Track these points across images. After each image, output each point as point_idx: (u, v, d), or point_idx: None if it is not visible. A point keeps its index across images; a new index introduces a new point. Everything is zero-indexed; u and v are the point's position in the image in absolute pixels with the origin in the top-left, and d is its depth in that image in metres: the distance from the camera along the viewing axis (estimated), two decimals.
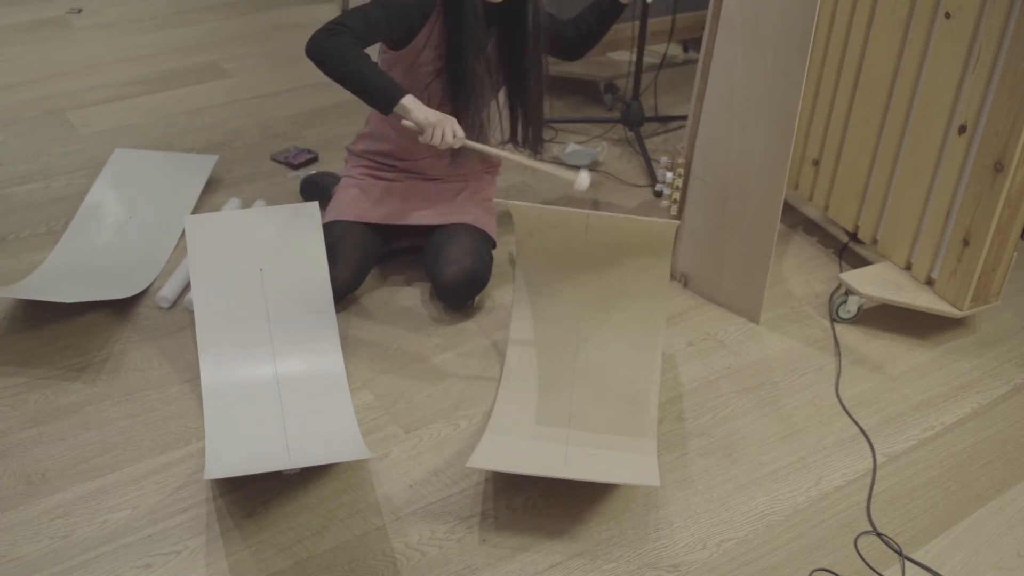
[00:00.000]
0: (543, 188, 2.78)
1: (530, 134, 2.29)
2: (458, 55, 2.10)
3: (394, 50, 2.13)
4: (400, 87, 1.97)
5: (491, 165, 2.43)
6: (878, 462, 1.87)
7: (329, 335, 2.00)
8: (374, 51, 2.16)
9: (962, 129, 2.01)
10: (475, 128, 2.18)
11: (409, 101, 1.96)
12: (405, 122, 1.97)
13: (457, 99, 2.15)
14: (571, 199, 2.73)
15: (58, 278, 2.25)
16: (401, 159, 2.30)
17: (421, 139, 1.97)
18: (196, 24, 3.98)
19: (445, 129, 1.96)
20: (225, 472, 1.65)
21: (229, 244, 2.03)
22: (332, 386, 1.94)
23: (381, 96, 1.96)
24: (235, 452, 1.75)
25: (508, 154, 2.08)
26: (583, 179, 1.99)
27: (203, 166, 2.72)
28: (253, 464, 1.70)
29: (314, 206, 2.08)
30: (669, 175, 2.30)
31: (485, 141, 2.30)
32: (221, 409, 1.85)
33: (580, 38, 2.30)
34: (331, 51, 1.94)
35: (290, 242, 2.05)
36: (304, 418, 1.86)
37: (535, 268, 1.96)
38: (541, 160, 2.18)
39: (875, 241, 2.33)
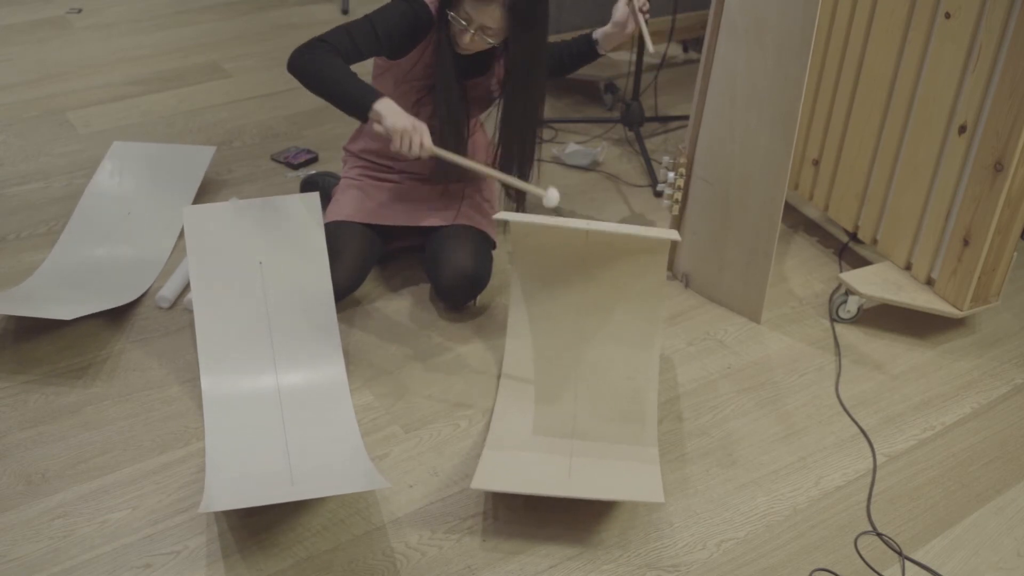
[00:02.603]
0: (542, 186, 2.78)
1: (514, 169, 2.20)
2: (441, 79, 2.08)
3: (389, 59, 2.13)
4: (376, 91, 1.90)
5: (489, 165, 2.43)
6: (878, 462, 1.87)
7: (330, 338, 1.99)
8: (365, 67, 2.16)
9: (962, 129, 2.01)
10: (455, 149, 2.15)
11: (383, 106, 1.88)
12: (376, 126, 1.90)
13: (439, 120, 2.12)
14: (568, 210, 2.72)
15: (57, 284, 2.24)
16: (397, 159, 2.30)
17: (392, 147, 1.90)
18: (196, 24, 3.98)
19: (413, 139, 1.88)
20: (225, 506, 1.60)
21: (228, 236, 2.00)
22: (334, 399, 1.91)
23: (356, 101, 1.90)
24: (236, 483, 1.71)
25: (478, 167, 1.97)
26: (552, 196, 1.91)
27: (201, 157, 2.71)
28: (255, 497, 1.64)
29: (314, 197, 2.07)
30: (671, 175, 2.30)
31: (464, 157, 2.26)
32: (222, 433, 1.82)
33: (552, 67, 2.28)
34: (308, 62, 1.90)
35: (290, 235, 2.04)
36: (308, 443, 1.82)
37: (531, 273, 1.96)
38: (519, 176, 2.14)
39: (875, 241, 2.33)
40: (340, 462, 1.78)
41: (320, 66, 1.90)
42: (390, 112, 1.88)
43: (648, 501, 1.66)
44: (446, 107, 2.09)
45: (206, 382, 1.89)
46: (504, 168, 2.17)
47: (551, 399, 1.91)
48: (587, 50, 2.26)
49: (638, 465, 1.79)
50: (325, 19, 3.95)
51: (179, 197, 2.57)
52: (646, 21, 2.14)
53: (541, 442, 1.85)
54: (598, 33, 2.23)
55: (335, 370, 1.96)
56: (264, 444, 1.81)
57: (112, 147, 2.69)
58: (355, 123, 2.39)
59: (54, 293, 2.19)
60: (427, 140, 1.90)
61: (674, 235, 1.80)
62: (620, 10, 2.15)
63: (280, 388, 1.91)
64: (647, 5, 2.14)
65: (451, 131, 2.12)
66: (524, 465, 1.79)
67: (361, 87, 1.90)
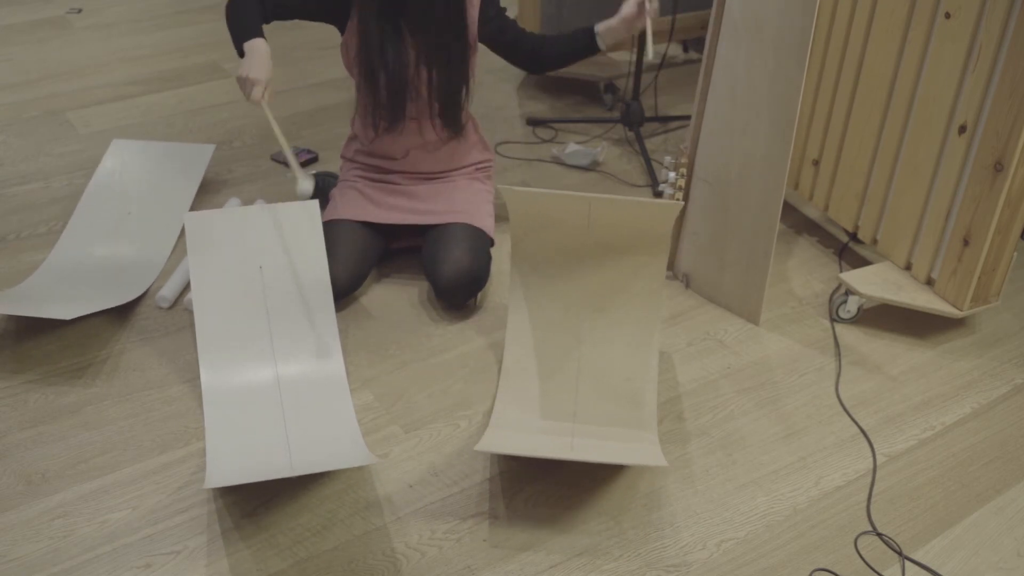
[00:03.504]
0: (543, 187, 2.78)
1: (447, 116, 2.23)
2: (365, 48, 2.13)
3: (335, 25, 2.22)
4: (256, 33, 2.06)
5: (483, 160, 2.42)
6: (878, 462, 1.87)
7: (329, 336, 2.00)
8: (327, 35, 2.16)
9: (962, 129, 2.01)
10: (398, 117, 2.20)
11: (249, 47, 2.03)
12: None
13: (369, 88, 2.19)
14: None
15: (57, 283, 2.24)
16: (390, 157, 2.31)
17: None
18: (196, 24, 3.98)
19: (247, 88, 2.00)
20: (226, 481, 1.64)
21: (229, 241, 2.02)
22: (333, 389, 1.93)
23: (237, 39, 2.07)
24: (236, 460, 1.75)
25: (279, 136, 2.06)
26: (304, 188, 2.02)
27: (201, 156, 2.71)
28: (254, 472, 1.69)
29: (314, 203, 2.08)
30: (671, 175, 2.30)
31: (421, 134, 2.27)
32: (221, 415, 1.84)
33: (547, 59, 2.28)
34: (230, 4, 2.11)
35: (290, 239, 2.05)
36: (305, 423, 1.85)
37: (530, 268, 1.96)
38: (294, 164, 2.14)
39: (875, 241, 2.33)
40: (337, 448, 1.79)
41: (235, 6, 2.10)
42: (247, 55, 2.04)
43: (651, 465, 1.67)
44: (376, 55, 2.13)
45: (206, 376, 1.90)
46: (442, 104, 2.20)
47: (551, 397, 1.92)
48: (587, 43, 2.23)
49: (639, 443, 1.81)
50: None
51: (180, 196, 2.58)
52: (653, 22, 2.13)
53: (544, 424, 1.86)
54: (601, 26, 2.20)
55: (334, 368, 1.96)
56: (264, 436, 1.82)
57: (112, 145, 2.69)
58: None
59: (54, 292, 2.19)
60: (256, 93, 2.00)
61: (678, 205, 1.80)
62: (628, 6, 2.13)
63: (280, 383, 1.92)
64: (656, 3, 2.12)
65: (387, 87, 2.16)
66: (527, 439, 1.81)
67: (248, 28, 2.07)
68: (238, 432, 1.81)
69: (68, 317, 2.02)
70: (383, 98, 2.18)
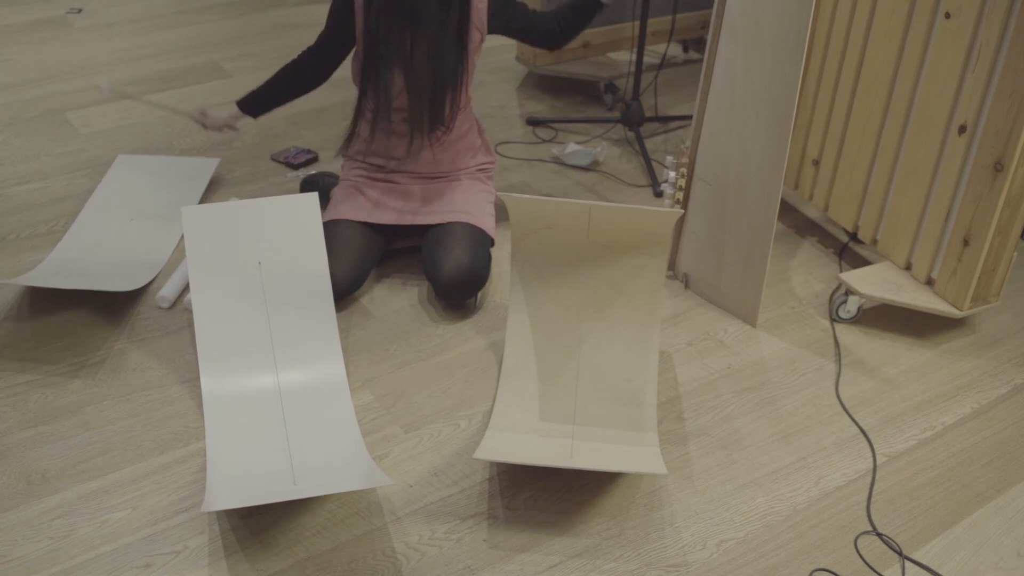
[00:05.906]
0: (543, 187, 2.79)
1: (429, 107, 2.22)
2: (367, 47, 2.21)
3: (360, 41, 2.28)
4: (244, 100, 2.40)
5: (485, 161, 2.42)
6: (878, 462, 1.87)
7: (330, 340, 1.99)
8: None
9: (962, 129, 2.01)
10: (384, 114, 2.23)
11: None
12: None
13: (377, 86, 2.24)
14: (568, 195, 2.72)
15: (59, 274, 2.25)
16: (392, 157, 2.30)
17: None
18: (196, 24, 3.98)
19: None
20: (226, 504, 1.60)
21: (227, 236, 2.00)
22: (335, 400, 1.91)
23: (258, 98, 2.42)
24: (237, 482, 1.71)
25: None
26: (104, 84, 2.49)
27: (204, 169, 2.72)
28: (257, 495, 1.65)
29: (313, 197, 2.06)
30: (672, 175, 2.30)
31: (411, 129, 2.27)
32: (222, 430, 1.82)
33: (557, 31, 2.32)
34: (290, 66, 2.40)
35: (289, 235, 2.04)
36: (309, 440, 1.82)
37: (531, 269, 1.96)
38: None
39: (875, 241, 2.33)
40: (341, 460, 1.78)
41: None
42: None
43: (651, 472, 1.67)
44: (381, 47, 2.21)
45: (206, 382, 1.89)
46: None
47: (551, 397, 1.92)
48: (591, 5, 2.27)
49: (639, 446, 1.81)
50: (323, 18, 3.94)
51: (182, 204, 2.59)
52: None
53: (543, 427, 1.86)
54: None
55: (335, 369, 1.96)
56: (265, 443, 1.81)
57: (116, 161, 2.70)
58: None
59: (56, 278, 2.21)
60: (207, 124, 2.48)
61: (677, 212, 1.80)
62: None
63: (280, 387, 1.91)
64: None
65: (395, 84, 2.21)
66: (527, 444, 1.80)
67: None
68: (239, 452, 1.78)
69: (70, 287, 2.07)
70: (392, 97, 2.18)
